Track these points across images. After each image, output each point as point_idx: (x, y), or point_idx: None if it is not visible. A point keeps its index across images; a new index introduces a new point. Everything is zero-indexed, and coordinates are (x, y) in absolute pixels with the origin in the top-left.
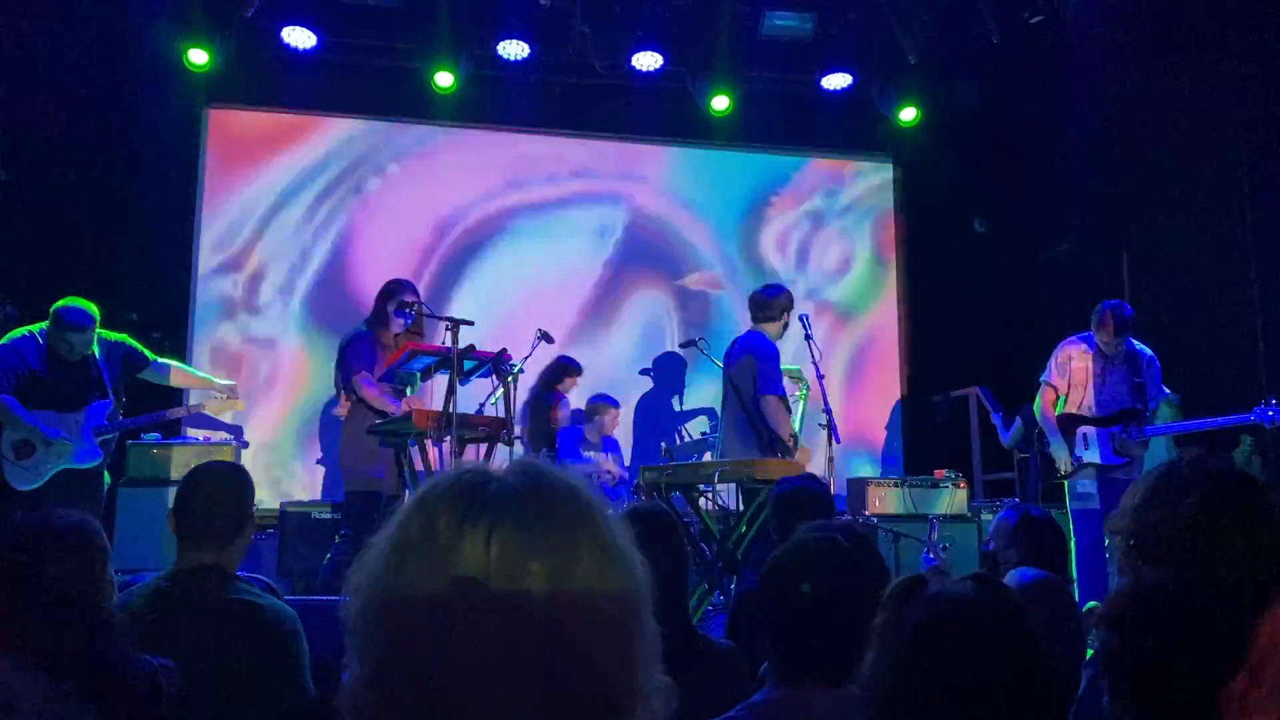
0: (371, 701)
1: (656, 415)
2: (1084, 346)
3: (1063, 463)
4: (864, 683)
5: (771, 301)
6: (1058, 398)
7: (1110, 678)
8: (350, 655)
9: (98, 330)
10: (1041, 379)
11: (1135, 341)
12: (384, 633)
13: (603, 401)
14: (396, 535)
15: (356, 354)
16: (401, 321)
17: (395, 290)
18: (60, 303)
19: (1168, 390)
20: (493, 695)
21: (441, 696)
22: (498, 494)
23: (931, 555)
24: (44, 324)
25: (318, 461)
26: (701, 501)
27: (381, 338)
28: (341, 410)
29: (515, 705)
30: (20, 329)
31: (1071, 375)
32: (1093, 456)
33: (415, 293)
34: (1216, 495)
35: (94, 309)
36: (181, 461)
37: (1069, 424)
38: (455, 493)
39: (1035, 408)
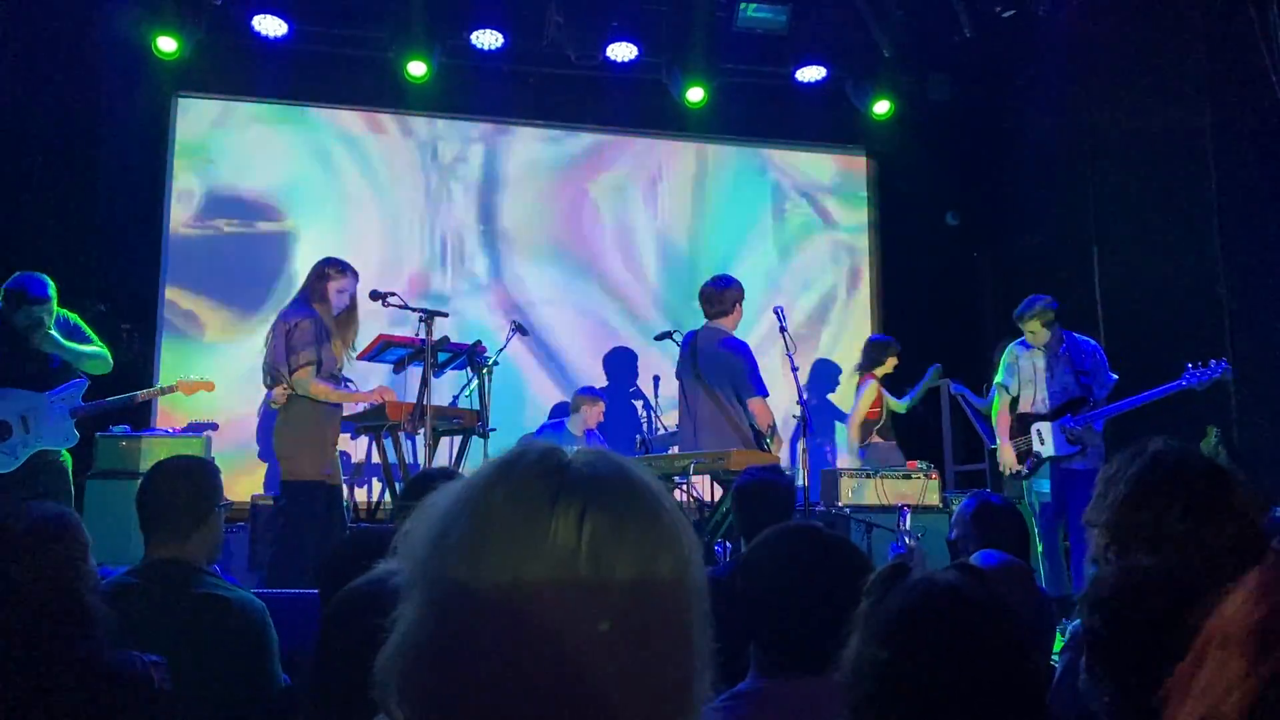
0: (429, 674)
1: (631, 408)
2: (1026, 346)
3: (1006, 465)
4: (846, 668)
5: (723, 294)
6: (1011, 399)
7: (1090, 658)
8: (407, 624)
9: (56, 308)
10: (995, 383)
11: (1077, 335)
12: (461, 606)
13: (587, 394)
14: (476, 506)
15: (307, 345)
16: (347, 299)
17: (334, 273)
18: (15, 275)
19: (1115, 376)
20: (569, 680)
21: (514, 677)
22: (589, 478)
23: (898, 543)
24: None
25: (259, 455)
26: (676, 493)
27: (325, 321)
28: (281, 396)
29: (591, 693)
30: None
31: (1020, 374)
32: (1049, 450)
33: (354, 275)
34: (1197, 496)
35: (50, 280)
36: (151, 453)
37: (1024, 422)
38: (544, 469)
39: (992, 410)
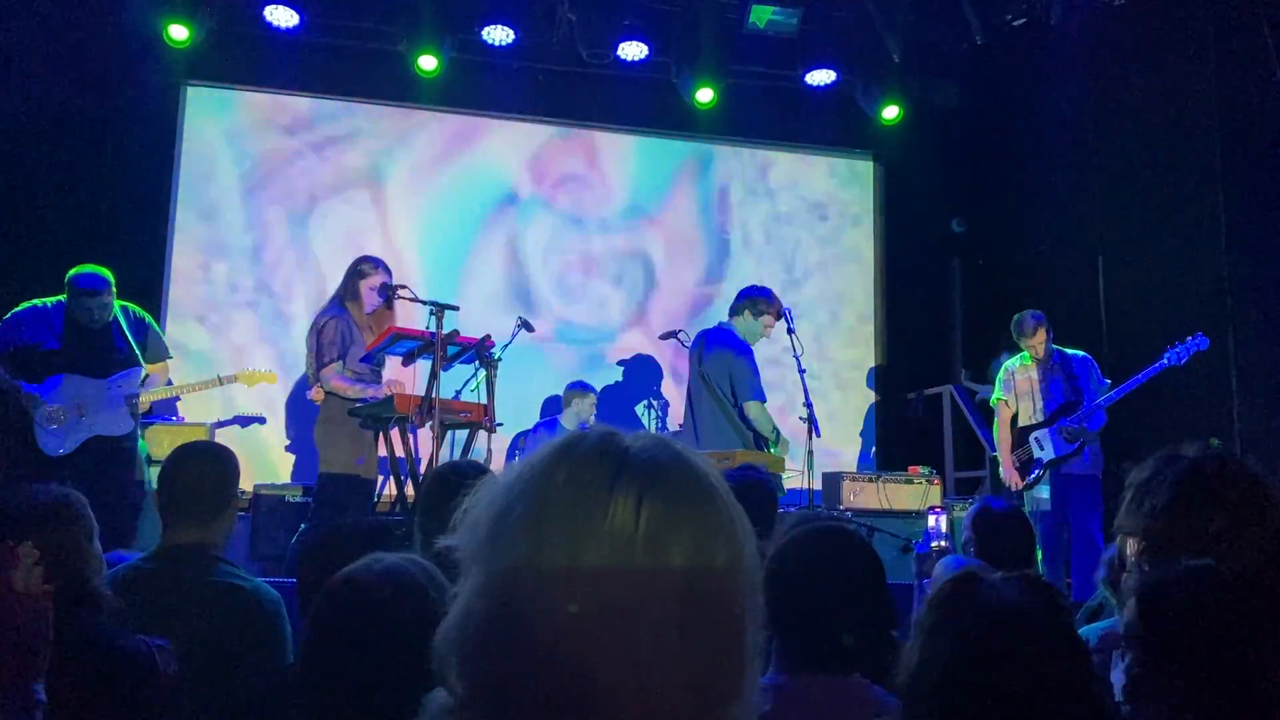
0: (486, 651)
1: (635, 406)
2: (1021, 360)
3: (1011, 481)
4: (906, 680)
5: (758, 300)
6: (1011, 414)
7: (1150, 661)
8: (466, 601)
9: (118, 300)
10: (993, 399)
11: (1066, 349)
12: (520, 586)
13: (576, 388)
14: (537, 489)
15: (331, 343)
16: (377, 298)
17: (369, 269)
18: (73, 270)
19: (1108, 380)
20: (624, 662)
21: (570, 658)
22: (648, 463)
23: (922, 544)
24: (60, 296)
25: (286, 448)
26: None
27: (356, 318)
28: (316, 394)
29: (645, 677)
30: (29, 301)
31: (1016, 388)
32: (1049, 453)
33: (388, 271)
34: (1241, 501)
35: (108, 273)
36: (155, 440)
37: (1024, 435)
38: (602, 452)
39: (994, 428)
